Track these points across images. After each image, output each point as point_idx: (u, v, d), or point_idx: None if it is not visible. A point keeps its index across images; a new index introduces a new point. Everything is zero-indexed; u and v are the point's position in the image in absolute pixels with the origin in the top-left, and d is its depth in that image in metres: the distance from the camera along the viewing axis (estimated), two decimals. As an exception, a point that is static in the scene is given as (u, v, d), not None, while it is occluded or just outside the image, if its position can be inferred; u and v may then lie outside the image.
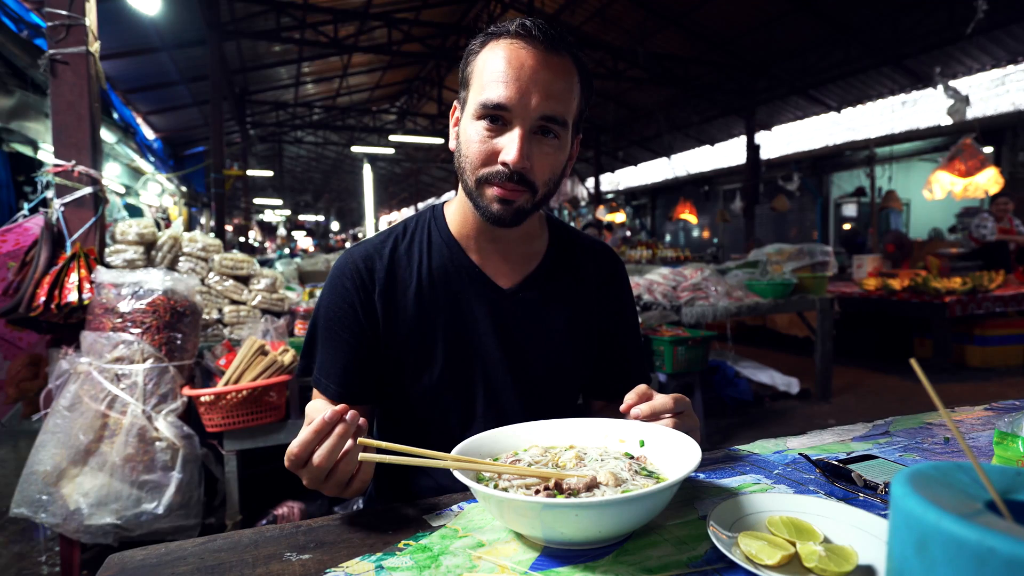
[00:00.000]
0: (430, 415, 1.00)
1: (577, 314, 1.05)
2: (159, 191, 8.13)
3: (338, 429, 0.70)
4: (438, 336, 0.97)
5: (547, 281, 1.04)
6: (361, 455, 0.68)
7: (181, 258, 2.84)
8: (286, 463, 0.73)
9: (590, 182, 15.85)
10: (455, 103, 0.96)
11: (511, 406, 0.99)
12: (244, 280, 3.01)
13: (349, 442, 0.71)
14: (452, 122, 0.97)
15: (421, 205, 25.01)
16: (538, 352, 1.01)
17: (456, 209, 1.02)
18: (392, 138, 14.40)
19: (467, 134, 0.89)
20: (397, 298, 0.98)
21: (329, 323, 0.98)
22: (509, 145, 0.85)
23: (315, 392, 1.00)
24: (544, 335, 1.02)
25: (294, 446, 0.71)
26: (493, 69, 0.86)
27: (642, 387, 0.83)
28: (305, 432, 0.70)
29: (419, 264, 0.99)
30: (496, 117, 0.86)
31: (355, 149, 15.89)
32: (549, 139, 0.89)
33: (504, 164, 0.86)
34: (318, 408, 0.96)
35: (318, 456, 0.70)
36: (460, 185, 0.96)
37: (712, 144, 14.11)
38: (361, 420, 0.73)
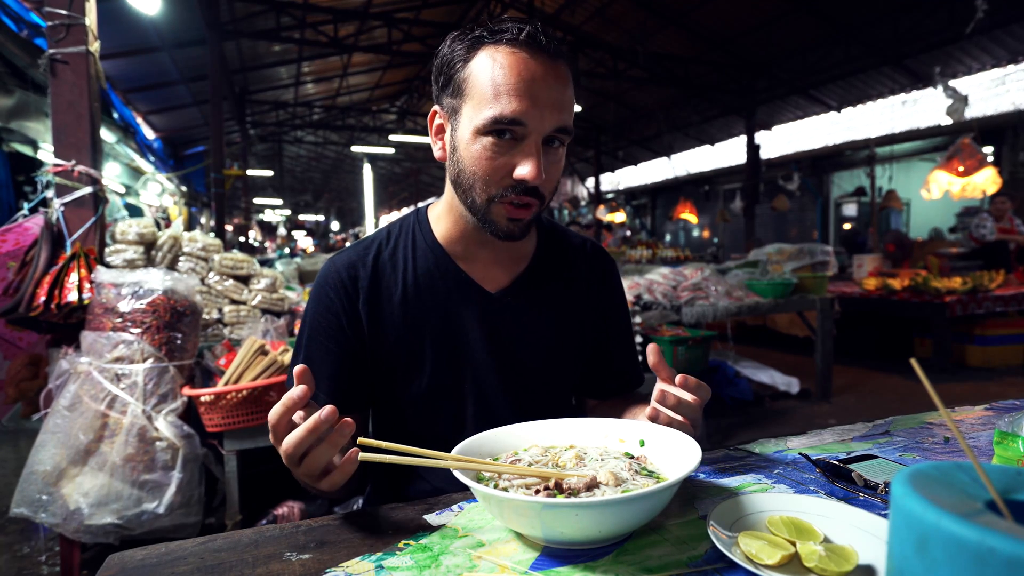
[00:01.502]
0: (420, 421, 0.99)
1: (566, 316, 1.04)
2: (159, 191, 8.12)
3: (312, 420, 0.68)
4: (426, 343, 0.96)
5: (535, 284, 1.02)
6: (361, 455, 0.68)
7: (181, 258, 2.85)
8: (282, 457, 0.72)
9: (590, 182, 15.87)
10: (436, 109, 0.93)
11: (501, 411, 0.98)
12: (244, 280, 3.01)
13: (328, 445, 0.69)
14: (434, 129, 0.94)
15: (421, 205, 24.96)
16: (528, 356, 1.00)
17: (442, 214, 0.99)
18: (392, 138, 14.40)
19: (471, 151, 0.86)
20: (383, 306, 0.96)
21: (315, 333, 0.96)
22: (525, 161, 0.84)
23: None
24: (533, 338, 1.01)
25: (288, 445, 0.69)
26: (500, 81, 0.82)
27: (680, 378, 0.80)
28: (299, 431, 0.68)
29: (404, 271, 0.98)
30: (504, 131, 0.83)
31: (355, 149, 15.89)
32: (556, 148, 0.88)
33: (520, 180, 0.84)
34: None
35: (312, 458, 0.69)
36: (458, 197, 0.93)
37: (712, 144, 14.12)
38: (346, 420, 0.71)
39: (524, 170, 0.83)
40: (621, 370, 1.12)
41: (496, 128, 0.83)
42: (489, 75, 0.83)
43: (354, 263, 0.98)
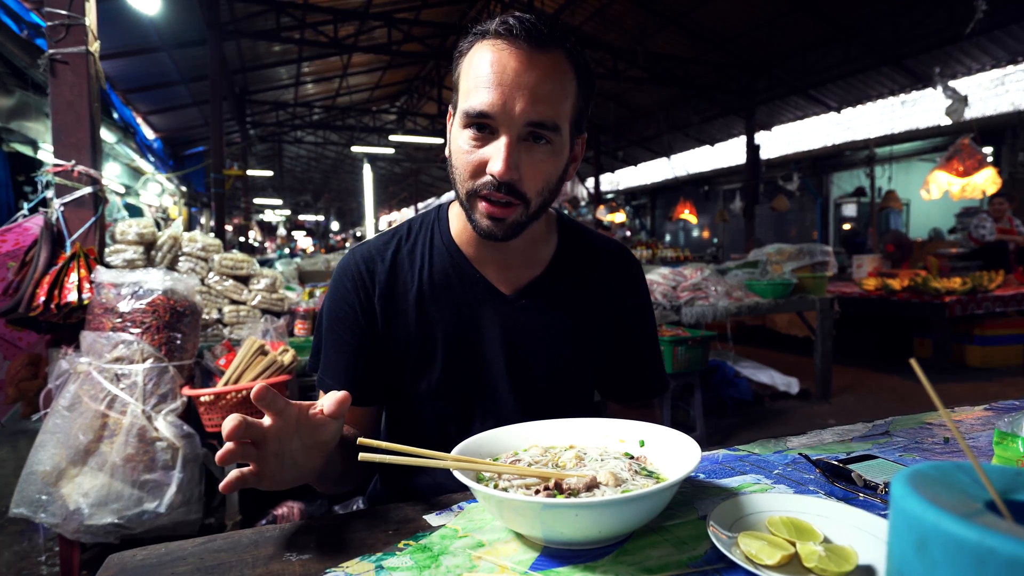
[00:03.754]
0: (429, 419, 0.99)
1: (584, 321, 1.02)
2: (159, 191, 8.13)
3: (234, 419, 0.64)
4: (438, 341, 0.96)
5: (552, 287, 1.01)
6: (361, 455, 0.68)
7: (181, 258, 2.85)
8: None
9: (590, 182, 15.86)
10: (450, 107, 0.93)
11: (510, 412, 0.97)
12: (244, 280, 3.01)
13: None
14: (449, 127, 0.93)
15: (421, 205, 25.06)
16: (540, 359, 0.99)
17: (459, 212, 0.99)
18: (392, 138, 14.39)
19: (455, 144, 0.86)
20: (398, 301, 0.96)
21: (332, 323, 0.97)
22: (495, 155, 0.81)
23: (320, 394, 0.98)
24: (548, 343, 1.00)
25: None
26: (476, 74, 0.82)
27: None
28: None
29: (421, 268, 0.97)
30: (482, 125, 0.82)
31: (355, 149, 15.89)
32: (541, 145, 0.84)
33: (491, 175, 0.82)
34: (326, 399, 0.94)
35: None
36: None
37: (712, 144, 14.12)
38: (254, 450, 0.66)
39: (492, 165, 0.81)
40: (648, 375, 1.09)
41: (470, 122, 0.82)
42: (470, 69, 0.84)
43: (372, 256, 0.98)
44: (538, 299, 0.99)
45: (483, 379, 0.98)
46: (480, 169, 0.84)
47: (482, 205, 0.85)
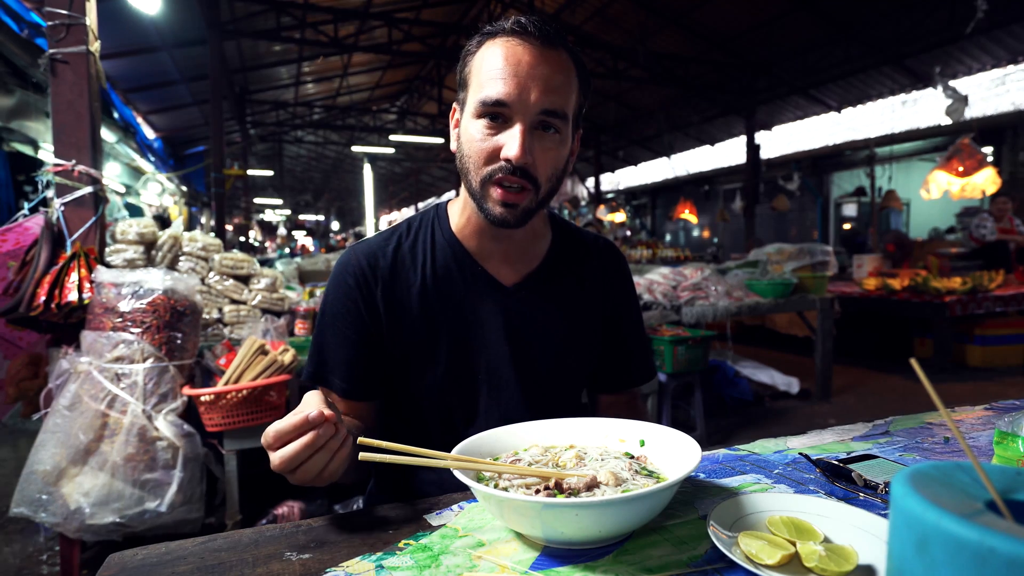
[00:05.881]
0: (433, 413, 1.01)
1: (580, 312, 1.06)
2: (159, 191, 8.12)
3: (310, 435, 0.69)
4: (442, 335, 0.98)
5: (551, 278, 1.05)
6: (361, 455, 0.68)
7: (181, 258, 2.85)
8: (263, 440, 0.71)
9: (590, 182, 15.86)
10: (454, 104, 0.97)
11: (514, 403, 1.00)
12: (244, 280, 3.01)
13: (321, 446, 0.70)
14: (452, 124, 0.98)
15: (421, 205, 25.05)
16: (542, 349, 1.02)
17: (459, 208, 1.02)
18: (392, 138, 14.39)
19: (468, 134, 0.90)
20: (401, 297, 0.98)
21: (333, 319, 0.99)
22: (511, 141, 0.86)
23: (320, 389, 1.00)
24: (548, 332, 1.03)
25: (270, 433, 0.69)
26: (491, 67, 0.87)
27: None
28: (286, 422, 0.69)
29: (423, 264, 1.00)
30: (496, 115, 0.87)
31: (355, 149, 15.89)
32: (550, 134, 0.89)
33: (507, 160, 0.86)
34: (312, 401, 0.88)
35: (288, 451, 0.69)
36: (463, 186, 0.96)
37: (712, 144, 14.11)
38: (341, 429, 0.72)
39: (508, 150, 0.86)
40: (636, 364, 1.14)
41: (485, 111, 0.87)
42: (483, 64, 0.89)
43: (374, 252, 1.00)
44: (537, 291, 1.03)
45: (488, 370, 1.00)
46: (494, 155, 0.88)
47: (496, 192, 0.89)
